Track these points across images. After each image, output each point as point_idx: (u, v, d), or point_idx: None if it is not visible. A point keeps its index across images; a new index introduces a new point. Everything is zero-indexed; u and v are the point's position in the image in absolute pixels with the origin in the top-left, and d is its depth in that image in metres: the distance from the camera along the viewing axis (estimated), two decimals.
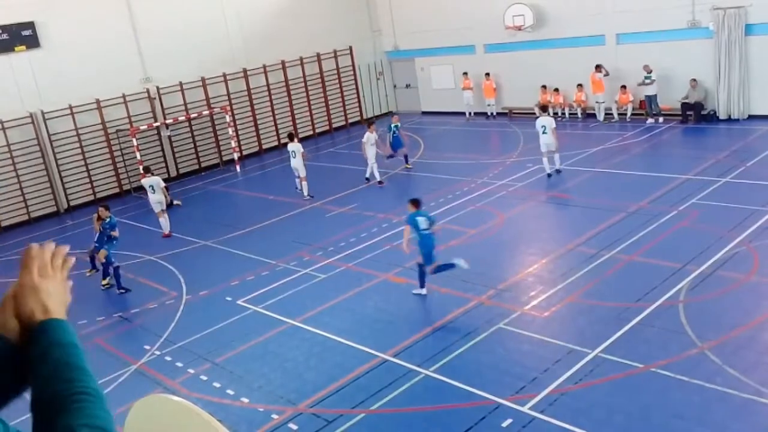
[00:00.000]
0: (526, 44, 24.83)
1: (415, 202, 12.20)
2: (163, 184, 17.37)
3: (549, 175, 17.48)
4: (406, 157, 20.38)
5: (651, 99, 21.65)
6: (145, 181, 17.38)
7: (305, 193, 18.70)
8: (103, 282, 14.16)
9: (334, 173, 21.29)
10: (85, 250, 14.96)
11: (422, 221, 11.86)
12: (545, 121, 17.35)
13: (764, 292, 10.40)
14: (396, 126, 20.22)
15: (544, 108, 18.97)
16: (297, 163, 18.72)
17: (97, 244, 14.37)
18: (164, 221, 17.09)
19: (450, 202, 16.53)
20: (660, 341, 9.19)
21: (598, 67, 22.48)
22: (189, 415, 1.73)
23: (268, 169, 23.67)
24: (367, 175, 19.44)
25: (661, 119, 21.67)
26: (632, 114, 22.31)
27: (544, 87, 24.60)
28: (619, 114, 22.77)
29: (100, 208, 14.43)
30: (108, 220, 14.04)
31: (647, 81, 21.38)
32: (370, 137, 19.07)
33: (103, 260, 14.07)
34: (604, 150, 19.53)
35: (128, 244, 15.83)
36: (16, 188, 20.54)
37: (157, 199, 17.07)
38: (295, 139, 19.40)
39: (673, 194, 14.87)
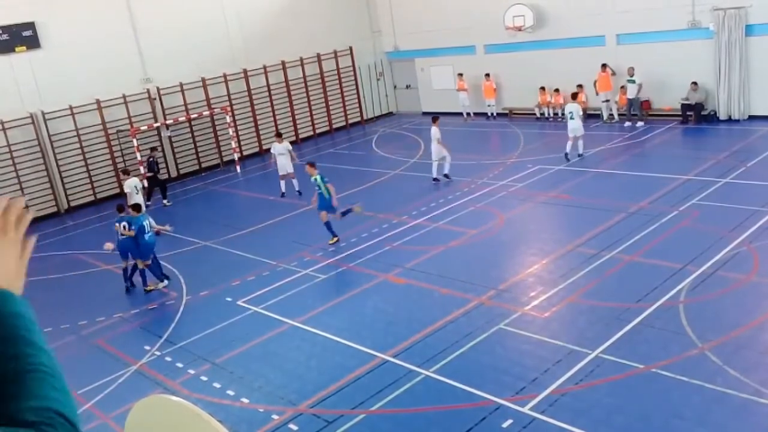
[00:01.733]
0: (526, 45, 24.83)
1: (136, 207, 13.67)
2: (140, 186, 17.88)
3: (580, 156, 18.86)
4: (344, 212, 15.12)
5: (632, 102, 21.77)
6: (129, 183, 17.57)
7: (284, 189, 19.23)
8: (154, 286, 13.70)
9: (334, 174, 21.23)
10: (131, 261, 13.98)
11: (148, 225, 13.34)
12: (573, 107, 18.79)
13: (764, 293, 10.40)
14: (315, 179, 14.90)
15: (574, 96, 19.93)
16: (287, 160, 19.09)
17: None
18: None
19: (450, 202, 16.53)
20: (660, 342, 9.19)
21: (604, 67, 22.50)
22: (189, 415, 1.73)
23: (269, 169, 23.64)
24: (435, 176, 18.39)
25: (640, 123, 21.78)
26: (632, 114, 22.31)
27: (542, 88, 24.62)
28: (619, 114, 22.78)
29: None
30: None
31: (630, 83, 21.53)
32: (435, 132, 18.09)
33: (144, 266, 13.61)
34: (604, 150, 19.53)
35: None
36: (16, 188, 20.53)
37: (139, 200, 17.10)
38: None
39: (674, 195, 14.87)
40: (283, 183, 19.24)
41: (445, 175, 18.37)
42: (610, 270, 11.65)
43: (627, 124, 21.93)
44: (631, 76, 21.51)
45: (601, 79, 22.53)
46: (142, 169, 21.87)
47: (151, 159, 20.72)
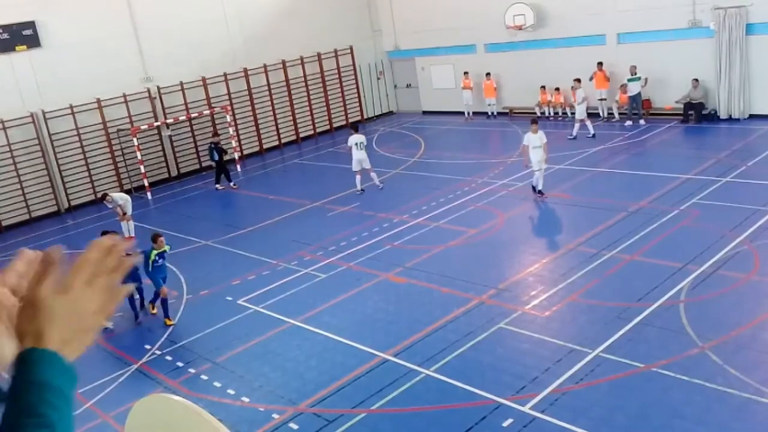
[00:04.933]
0: (526, 44, 24.83)
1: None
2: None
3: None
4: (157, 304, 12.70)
5: (635, 99, 21.73)
6: (112, 204, 17.19)
7: (379, 184, 18.15)
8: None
9: (335, 173, 21.28)
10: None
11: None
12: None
13: (765, 292, 10.40)
14: (160, 253, 12.21)
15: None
16: (363, 154, 17.95)
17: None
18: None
19: (450, 201, 16.52)
20: (661, 341, 9.19)
21: (600, 65, 22.52)
22: (189, 415, 1.73)
23: (269, 168, 23.68)
24: (534, 184, 16.00)
25: (642, 121, 21.77)
26: (633, 113, 22.30)
27: (543, 87, 24.61)
28: (619, 113, 22.77)
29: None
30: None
31: (632, 81, 21.49)
32: (531, 139, 15.52)
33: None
34: (604, 149, 19.53)
35: None
36: (16, 188, 20.54)
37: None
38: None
39: (674, 194, 14.86)
40: (358, 179, 18.18)
41: (539, 190, 15.91)
42: (610, 269, 11.64)
43: (628, 123, 21.93)
44: (634, 75, 21.48)
45: (597, 77, 22.55)
46: (144, 165, 21.87)
47: (213, 145, 21.23)
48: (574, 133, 20.91)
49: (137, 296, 12.62)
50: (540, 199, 15.74)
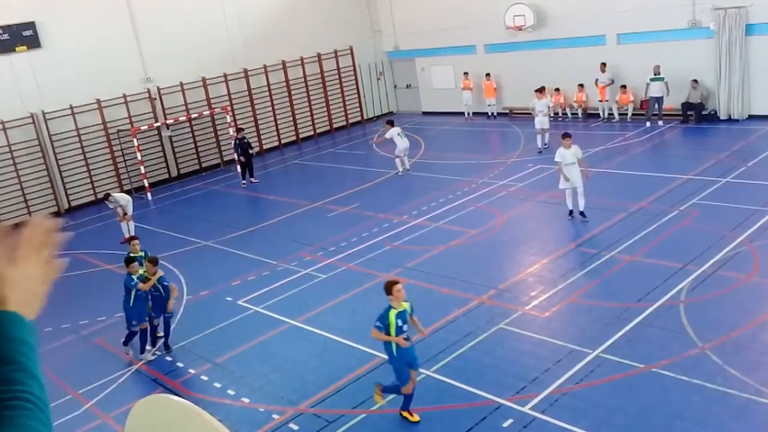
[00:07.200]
0: (526, 44, 24.83)
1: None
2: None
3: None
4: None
5: (657, 101, 21.18)
6: (113, 204, 17.01)
7: (408, 167, 19.91)
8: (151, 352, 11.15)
9: (335, 173, 21.30)
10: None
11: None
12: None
13: (765, 292, 10.40)
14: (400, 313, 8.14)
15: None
16: (407, 142, 19.75)
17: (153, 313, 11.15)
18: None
19: (451, 202, 16.53)
20: (661, 341, 9.19)
21: (603, 65, 22.52)
22: (190, 415, 1.73)
23: (270, 169, 23.66)
24: (571, 207, 14.37)
25: (660, 122, 21.54)
26: (633, 114, 22.30)
27: (543, 87, 24.57)
28: (619, 114, 22.77)
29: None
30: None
31: (655, 81, 21.24)
32: (564, 154, 13.80)
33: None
34: (605, 150, 19.52)
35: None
36: (16, 188, 20.54)
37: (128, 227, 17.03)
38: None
39: (674, 194, 14.86)
40: (398, 161, 19.79)
41: (581, 212, 14.21)
42: (610, 270, 11.64)
43: (660, 122, 21.47)
44: (657, 74, 20.91)
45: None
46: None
47: (242, 140, 21.31)
48: (540, 145, 20.09)
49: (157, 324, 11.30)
50: (582, 220, 14.03)
